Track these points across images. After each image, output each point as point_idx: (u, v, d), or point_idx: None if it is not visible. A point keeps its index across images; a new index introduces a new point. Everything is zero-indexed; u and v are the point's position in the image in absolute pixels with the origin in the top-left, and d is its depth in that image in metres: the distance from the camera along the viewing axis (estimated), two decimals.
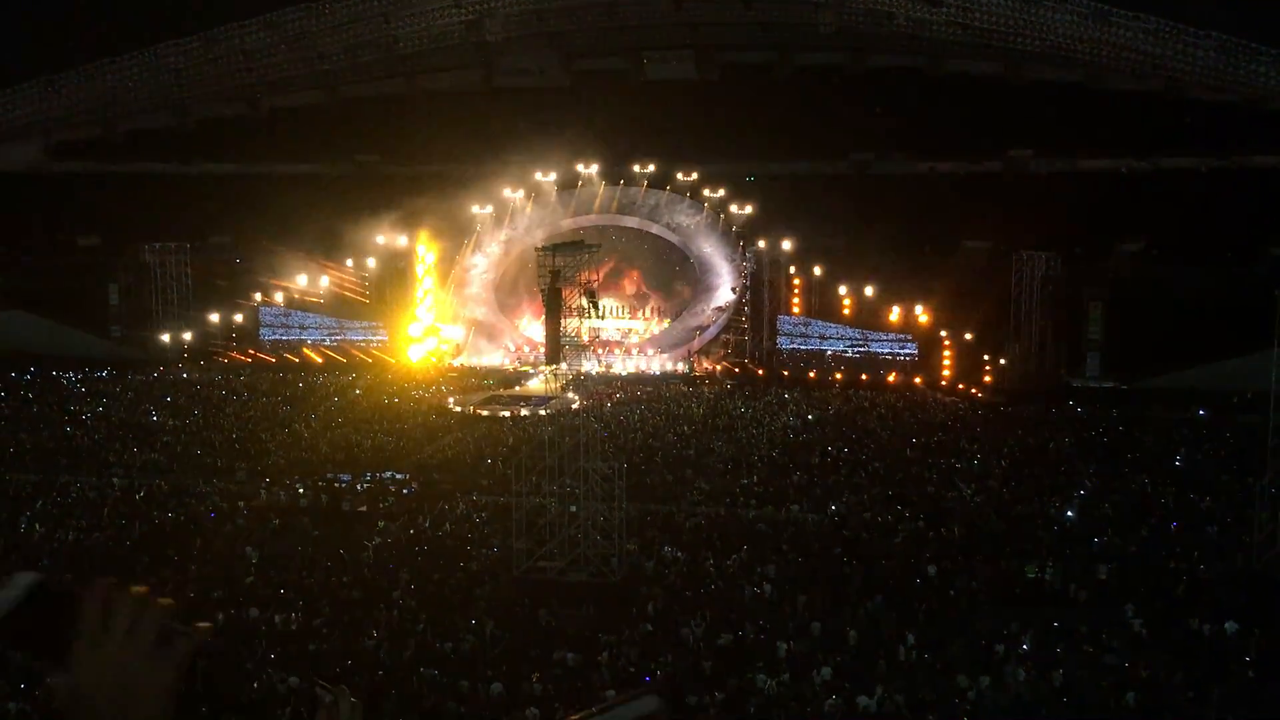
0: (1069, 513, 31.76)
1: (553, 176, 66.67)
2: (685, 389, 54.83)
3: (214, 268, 64.32)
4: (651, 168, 66.28)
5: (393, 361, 60.21)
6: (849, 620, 23.13)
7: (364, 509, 31.49)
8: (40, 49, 72.20)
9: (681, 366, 59.99)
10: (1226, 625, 22.33)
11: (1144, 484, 35.42)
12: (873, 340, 57.69)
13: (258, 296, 62.87)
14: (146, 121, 76.54)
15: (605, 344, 62.86)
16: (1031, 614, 23.08)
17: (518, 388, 55.35)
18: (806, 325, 58.97)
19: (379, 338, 62.18)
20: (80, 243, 66.07)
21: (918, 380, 55.13)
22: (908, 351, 56.77)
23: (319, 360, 60.54)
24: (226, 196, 67.93)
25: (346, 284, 64.79)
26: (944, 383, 54.55)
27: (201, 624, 2.04)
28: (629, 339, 64.53)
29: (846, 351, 57.94)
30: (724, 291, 63.36)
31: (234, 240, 67.19)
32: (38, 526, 29.22)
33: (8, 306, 62.75)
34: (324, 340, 62.02)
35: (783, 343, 58.92)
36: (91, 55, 74.30)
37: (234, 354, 61.39)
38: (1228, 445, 41.71)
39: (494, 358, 62.40)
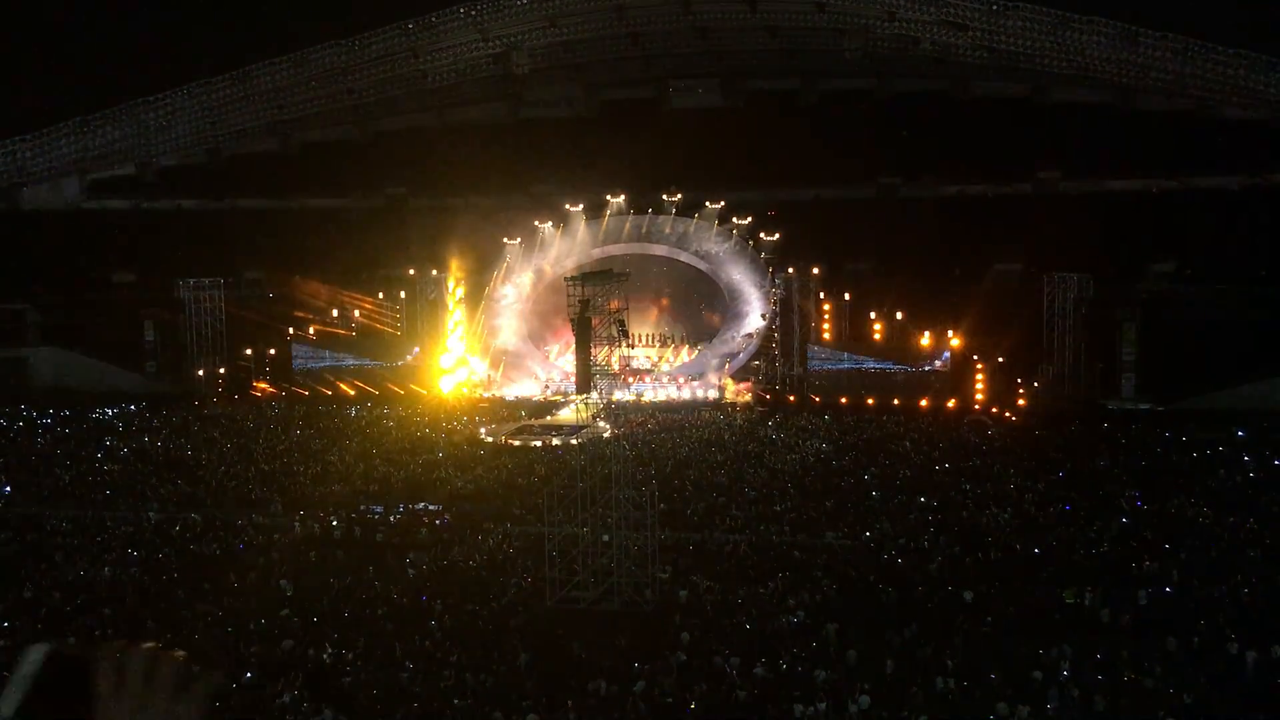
0: (1107, 536, 31.33)
1: (581, 206, 66.92)
2: (716, 416, 54.71)
3: (247, 302, 64.96)
4: (679, 196, 66.36)
5: (424, 393, 60.41)
6: (885, 648, 22.89)
7: (397, 540, 31.55)
8: (75, 89, 73.44)
9: (712, 394, 59.85)
10: (1273, 650, 21.93)
11: (1183, 506, 34.90)
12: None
13: (290, 330, 63.41)
14: (180, 158, 77.66)
15: (636, 372, 62.81)
16: (1071, 640, 22.74)
17: (549, 417, 55.41)
18: (840, 358, 59.08)
19: (411, 369, 62.41)
20: (116, 279, 66.92)
21: (951, 404, 54.78)
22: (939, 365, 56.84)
23: (351, 392, 60.83)
24: (259, 231, 68.81)
25: (377, 316, 65.26)
26: (977, 406, 54.15)
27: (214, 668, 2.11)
28: (659, 367, 64.55)
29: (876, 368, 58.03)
30: (754, 318, 63.28)
31: (267, 275, 67.85)
32: (75, 563, 29.40)
33: (45, 343, 63.72)
34: (356, 372, 62.36)
35: (813, 365, 58.93)
36: (125, 95, 75.61)
37: (267, 387, 61.81)
38: (1268, 466, 41.12)
39: (525, 388, 62.55)
